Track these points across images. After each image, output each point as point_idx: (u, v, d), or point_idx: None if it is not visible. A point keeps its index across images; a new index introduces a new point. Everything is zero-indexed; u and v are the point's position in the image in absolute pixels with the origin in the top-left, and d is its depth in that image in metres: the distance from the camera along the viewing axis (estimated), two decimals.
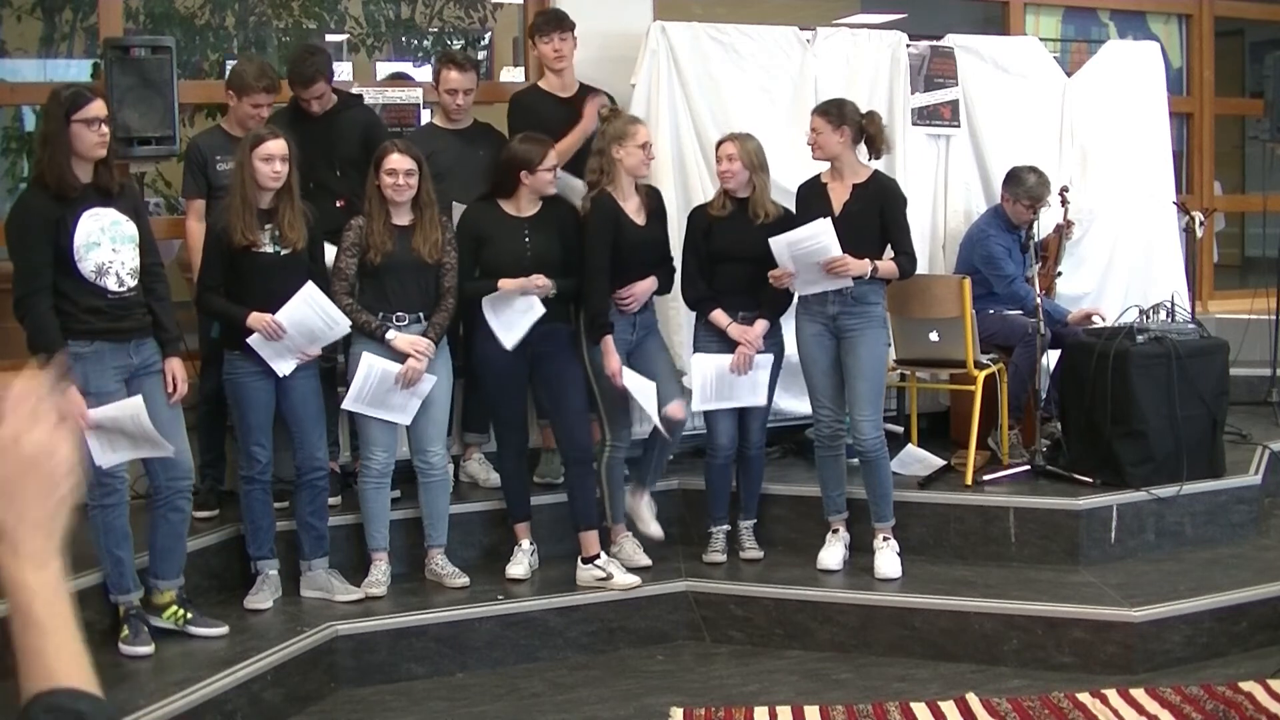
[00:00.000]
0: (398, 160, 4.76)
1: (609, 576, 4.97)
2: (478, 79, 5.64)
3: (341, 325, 4.70)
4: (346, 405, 4.82)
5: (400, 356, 4.80)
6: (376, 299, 4.83)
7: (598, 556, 5.00)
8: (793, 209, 5.20)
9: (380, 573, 4.90)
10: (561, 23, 5.55)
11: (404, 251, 4.81)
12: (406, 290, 4.85)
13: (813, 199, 5.13)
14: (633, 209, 5.07)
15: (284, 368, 4.62)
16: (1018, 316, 5.92)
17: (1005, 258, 5.98)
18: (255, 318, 4.53)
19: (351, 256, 4.82)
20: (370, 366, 4.77)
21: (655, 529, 5.22)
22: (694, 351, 5.21)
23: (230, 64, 7.06)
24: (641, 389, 5.00)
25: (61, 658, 1.10)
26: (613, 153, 5.00)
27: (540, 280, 4.87)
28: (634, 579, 5.00)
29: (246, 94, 5.07)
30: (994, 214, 6.20)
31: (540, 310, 4.86)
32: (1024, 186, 6.03)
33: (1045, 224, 6.13)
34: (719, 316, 5.08)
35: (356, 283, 4.85)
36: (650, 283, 5.12)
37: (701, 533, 5.37)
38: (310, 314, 4.61)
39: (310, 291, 4.62)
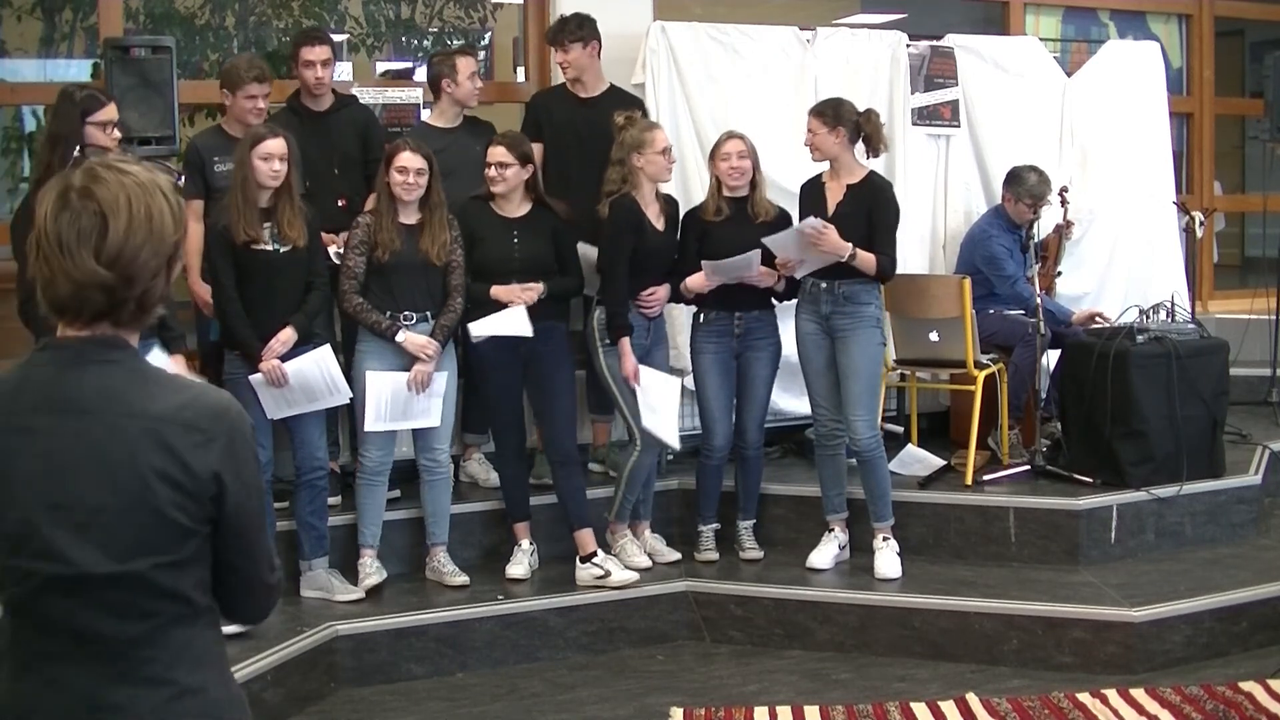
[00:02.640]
0: (409, 158, 4.77)
1: (607, 574, 4.98)
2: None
3: (343, 394, 4.73)
4: (369, 427, 4.81)
5: (404, 359, 4.80)
6: (383, 297, 4.83)
7: (595, 554, 5.01)
8: (790, 209, 5.20)
9: (371, 565, 4.91)
10: (561, 34, 5.53)
11: (411, 251, 4.81)
12: (413, 289, 4.85)
13: (810, 199, 5.14)
14: (653, 214, 5.07)
15: (274, 412, 4.62)
16: (1018, 316, 5.92)
17: (1007, 258, 5.99)
18: (266, 364, 4.55)
19: (360, 254, 4.82)
20: (379, 385, 4.78)
21: (672, 554, 5.30)
22: (693, 352, 5.22)
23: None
24: (660, 388, 5.02)
25: None
26: (633, 161, 5.00)
27: (533, 291, 4.88)
28: (632, 574, 5.01)
29: (239, 87, 5.05)
30: (995, 214, 6.21)
31: (527, 330, 4.86)
32: (1025, 186, 6.03)
33: (1045, 224, 6.14)
34: (695, 279, 5.04)
35: (364, 281, 4.85)
36: (668, 288, 5.12)
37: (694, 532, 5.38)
38: (317, 375, 4.65)
39: (323, 354, 4.67)
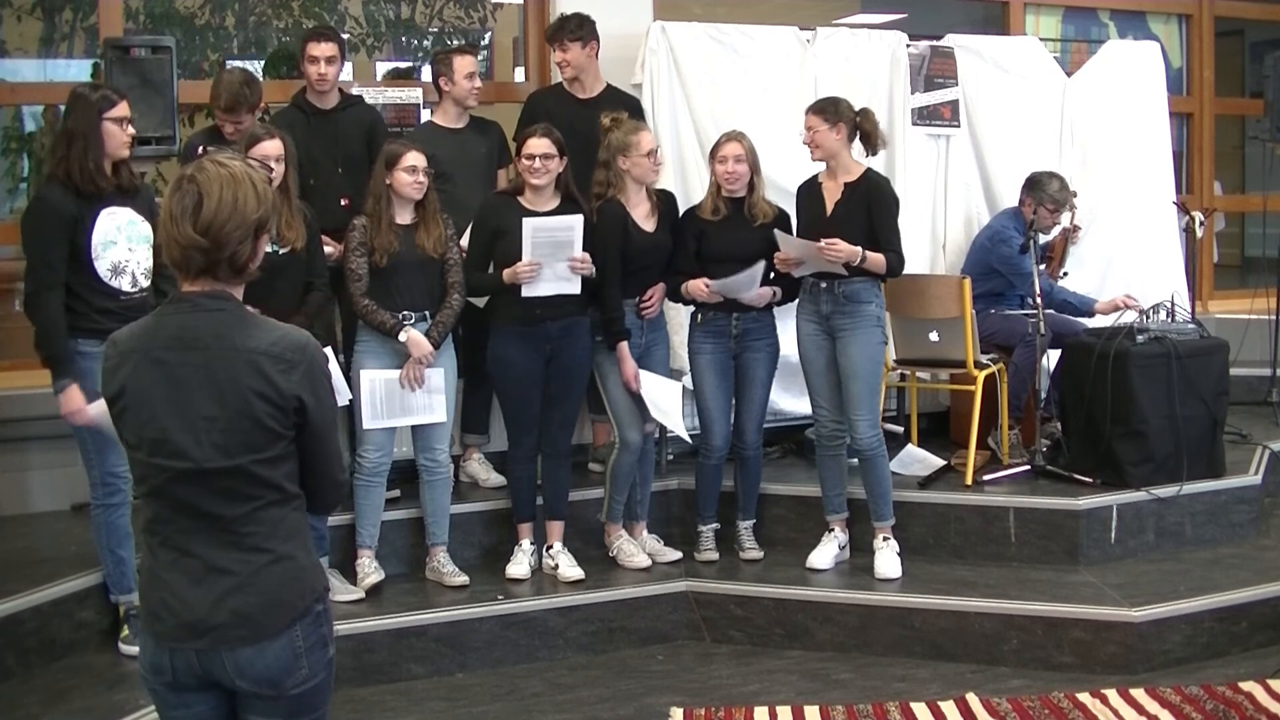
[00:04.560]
0: (416, 157, 4.80)
1: (556, 567, 5.08)
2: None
3: (342, 395, 4.69)
4: (368, 425, 4.81)
5: (401, 357, 4.81)
6: (383, 298, 4.83)
7: (553, 546, 5.11)
8: (789, 209, 5.20)
9: (369, 566, 4.93)
10: (561, 32, 5.55)
11: (409, 250, 4.82)
12: (413, 288, 4.85)
13: (808, 200, 5.14)
14: (641, 215, 5.07)
15: None
16: (1019, 316, 5.92)
17: (1025, 257, 5.99)
18: None
19: (360, 257, 4.82)
20: (372, 382, 4.78)
21: (672, 554, 5.32)
22: (690, 352, 5.22)
23: (230, 64, 7.08)
24: (661, 392, 5.04)
25: None
26: (619, 164, 5.00)
27: (586, 257, 4.90)
28: (578, 573, 5.05)
29: (216, 114, 5.11)
30: (1011, 215, 6.19)
31: (579, 234, 4.84)
32: (1048, 192, 6.02)
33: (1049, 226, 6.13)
34: (696, 286, 5.04)
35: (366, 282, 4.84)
36: (663, 288, 5.14)
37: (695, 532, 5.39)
38: None
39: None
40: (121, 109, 4.17)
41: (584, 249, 4.93)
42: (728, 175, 5.04)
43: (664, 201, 5.19)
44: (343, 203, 5.21)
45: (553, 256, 4.83)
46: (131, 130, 4.20)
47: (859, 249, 4.89)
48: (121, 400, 2.43)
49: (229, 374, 2.37)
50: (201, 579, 2.40)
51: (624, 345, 5.00)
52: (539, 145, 4.88)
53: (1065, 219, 6.19)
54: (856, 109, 5.09)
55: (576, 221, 4.86)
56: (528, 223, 4.79)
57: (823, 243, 4.87)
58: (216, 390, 2.37)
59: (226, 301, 2.42)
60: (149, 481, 2.43)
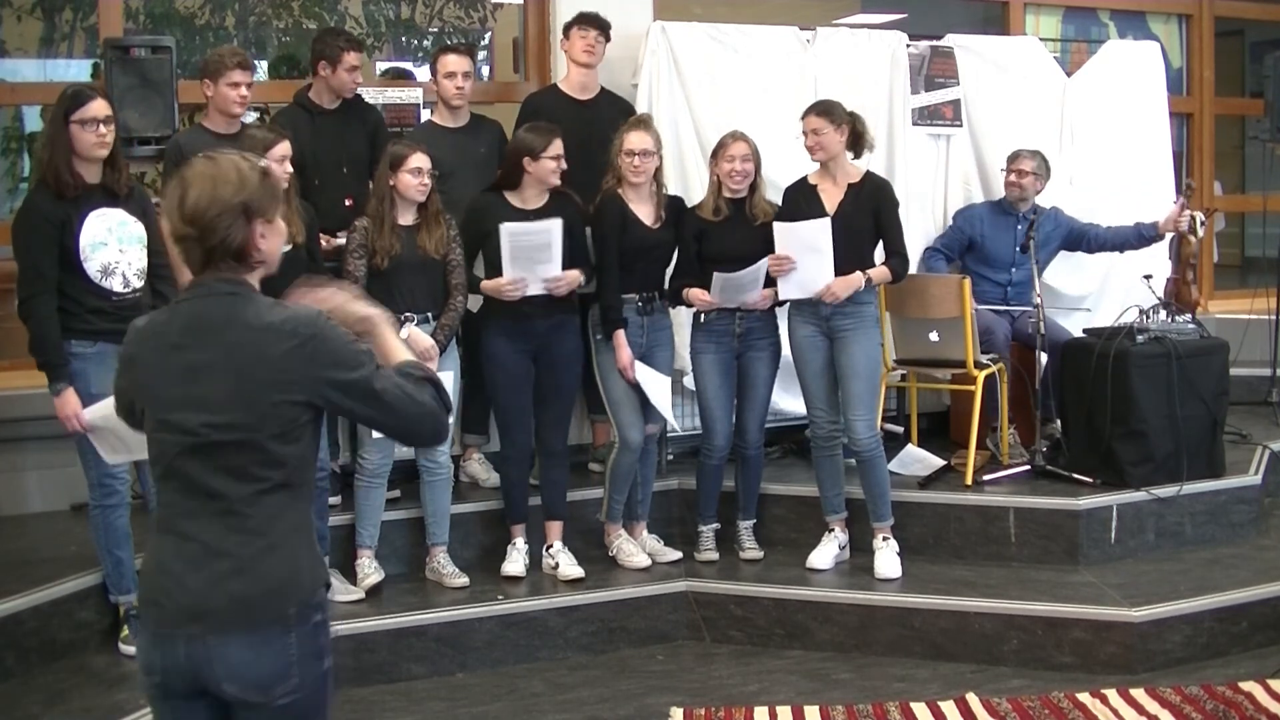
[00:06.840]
0: (421, 159, 4.79)
1: (556, 565, 5.09)
2: (474, 63, 5.65)
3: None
4: (380, 436, 4.80)
5: None
6: (384, 299, 4.81)
7: (552, 546, 5.13)
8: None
9: (369, 566, 4.93)
10: (599, 20, 5.58)
11: (410, 251, 4.82)
12: (414, 289, 4.85)
13: (802, 201, 5.12)
14: (645, 212, 5.07)
15: None
16: (986, 313, 5.91)
17: (951, 231, 6.19)
18: None
19: (359, 259, 4.82)
20: None
21: (672, 554, 5.32)
22: (693, 352, 5.22)
23: None
24: (653, 383, 5.03)
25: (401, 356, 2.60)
26: (617, 161, 5.03)
27: (572, 276, 4.90)
28: (578, 571, 5.06)
29: (222, 74, 4.90)
30: (989, 202, 6.31)
31: (558, 236, 4.81)
32: (1013, 155, 6.13)
33: (1103, 217, 6.17)
34: (697, 295, 5.05)
35: (365, 285, 4.84)
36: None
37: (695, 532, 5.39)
38: None
39: None
40: (93, 109, 4.04)
41: (578, 242, 4.95)
42: (734, 174, 5.03)
43: (673, 203, 5.18)
44: (347, 203, 5.21)
45: (532, 260, 4.82)
46: (104, 130, 4.07)
47: (859, 280, 4.94)
48: (137, 380, 2.50)
49: (241, 351, 2.41)
50: (201, 563, 2.41)
51: (620, 333, 4.99)
52: (559, 147, 4.89)
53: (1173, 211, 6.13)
54: (848, 111, 5.10)
55: (555, 225, 4.83)
56: (504, 228, 4.77)
57: (823, 289, 4.91)
58: (230, 368, 2.40)
59: (239, 286, 2.47)
60: (161, 462, 2.47)
